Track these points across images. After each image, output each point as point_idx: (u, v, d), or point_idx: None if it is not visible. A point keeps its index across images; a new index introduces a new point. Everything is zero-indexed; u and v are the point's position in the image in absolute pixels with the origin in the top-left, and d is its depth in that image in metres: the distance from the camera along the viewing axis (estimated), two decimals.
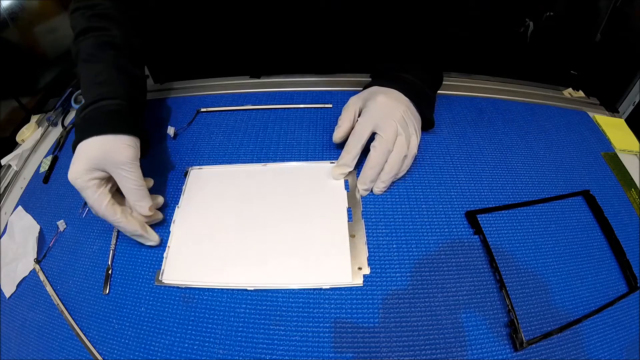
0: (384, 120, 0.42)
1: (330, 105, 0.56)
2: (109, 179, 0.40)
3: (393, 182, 0.45)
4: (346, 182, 0.46)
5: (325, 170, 0.47)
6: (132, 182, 0.39)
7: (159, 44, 0.58)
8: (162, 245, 0.42)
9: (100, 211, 0.39)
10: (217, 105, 0.58)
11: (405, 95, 0.45)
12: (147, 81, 0.54)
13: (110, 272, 0.41)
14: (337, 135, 0.46)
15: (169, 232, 0.43)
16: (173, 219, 0.44)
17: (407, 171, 0.46)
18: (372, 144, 0.43)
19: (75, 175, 0.38)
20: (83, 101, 0.58)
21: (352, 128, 0.45)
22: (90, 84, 0.44)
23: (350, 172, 0.46)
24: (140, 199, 0.40)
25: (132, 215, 0.40)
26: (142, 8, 0.52)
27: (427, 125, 0.49)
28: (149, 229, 0.42)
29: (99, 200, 0.38)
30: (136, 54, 0.49)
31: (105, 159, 0.39)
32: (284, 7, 0.54)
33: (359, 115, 0.45)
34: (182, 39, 0.62)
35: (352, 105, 0.46)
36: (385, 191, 0.44)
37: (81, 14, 0.48)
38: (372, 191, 0.45)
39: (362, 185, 0.44)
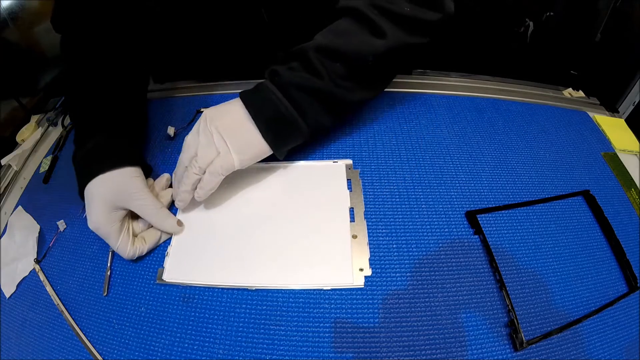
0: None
1: None
2: (127, 215, 0.41)
3: None
4: (349, 181, 0.46)
5: (327, 169, 0.47)
6: (150, 207, 0.41)
7: (159, 44, 0.58)
8: (164, 244, 0.43)
9: (125, 255, 0.40)
10: None
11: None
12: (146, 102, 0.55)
13: (110, 272, 0.41)
14: None
15: None
16: None
17: (408, 171, 0.46)
18: None
19: (97, 225, 0.39)
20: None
21: None
22: (80, 127, 0.45)
23: (352, 170, 0.46)
24: (163, 220, 0.41)
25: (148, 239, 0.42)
26: (140, 11, 0.52)
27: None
28: (163, 235, 0.42)
29: (123, 246, 0.39)
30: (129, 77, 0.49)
31: (119, 194, 0.39)
32: (283, 8, 0.54)
33: None
34: (182, 42, 0.62)
35: None
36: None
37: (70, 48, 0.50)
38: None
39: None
